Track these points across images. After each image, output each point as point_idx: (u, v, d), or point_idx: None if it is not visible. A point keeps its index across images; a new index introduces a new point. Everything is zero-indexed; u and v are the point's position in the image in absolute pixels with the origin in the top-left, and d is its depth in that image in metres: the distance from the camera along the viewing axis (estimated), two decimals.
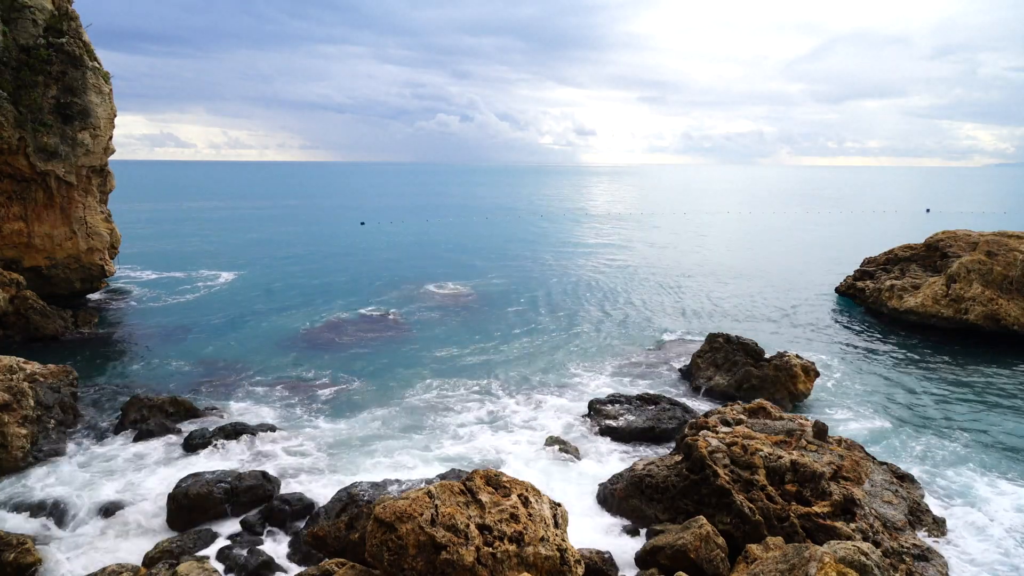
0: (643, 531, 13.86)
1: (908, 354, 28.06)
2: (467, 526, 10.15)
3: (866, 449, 16.58)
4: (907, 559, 12.08)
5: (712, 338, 25.28)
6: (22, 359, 19.52)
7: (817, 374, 23.33)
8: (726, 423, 16.12)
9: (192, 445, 17.86)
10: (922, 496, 14.80)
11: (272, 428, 19.18)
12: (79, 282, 35.39)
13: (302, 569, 12.49)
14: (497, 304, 37.22)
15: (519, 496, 11.01)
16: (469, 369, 25.79)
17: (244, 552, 13.06)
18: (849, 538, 11.91)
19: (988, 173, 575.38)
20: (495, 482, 11.23)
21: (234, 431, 18.24)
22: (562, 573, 10.46)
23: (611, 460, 18.00)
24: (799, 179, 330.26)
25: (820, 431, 15.54)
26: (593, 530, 14.49)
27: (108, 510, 14.91)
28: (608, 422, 19.35)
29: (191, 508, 14.34)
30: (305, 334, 30.45)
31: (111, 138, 34.84)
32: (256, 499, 14.92)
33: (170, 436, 18.66)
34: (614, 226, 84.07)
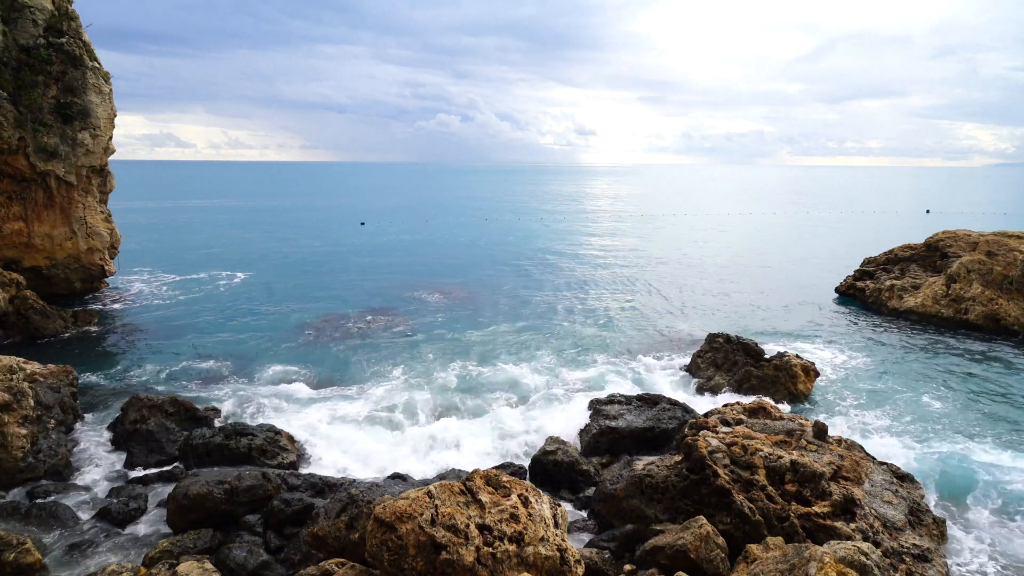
0: (643, 531, 13.84)
1: (908, 354, 28.05)
2: (467, 526, 10.15)
3: (866, 449, 16.57)
4: (907, 559, 12.08)
5: (712, 338, 25.28)
6: (22, 359, 19.50)
7: (817, 374, 23.33)
8: (726, 423, 16.12)
9: (192, 445, 17.85)
10: (922, 496, 14.78)
11: (272, 428, 19.16)
12: (79, 282, 35.40)
13: (302, 569, 12.48)
14: (496, 303, 37.22)
15: (519, 496, 11.01)
16: (468, 368, 25.78)
17: (244, 552, 13.05)
18: (849, 538, 11.90)
19: (988, 173, 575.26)
20: (495, 482, 11.23)
21: (235, 431, 18.23)
22: (562, 573, 10.46)
23: (611, 460, 17.99)
24: (799, 179, 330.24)
25: (820, 431, 15.53)
26: (592, 530, 14.50)
27: (107, 510, 14.91)
28: (608, 422, 19.34)
29: (191, 508, 14.33)
30: (305, 334, 30.45)
31: (111, 138, 34.84)
32: (256, 499, 14.91)
33: (170, 436, 18.65)
34: (614, 226, 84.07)
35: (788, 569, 10.09)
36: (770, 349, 25.23)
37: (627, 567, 12.42)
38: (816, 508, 12.84)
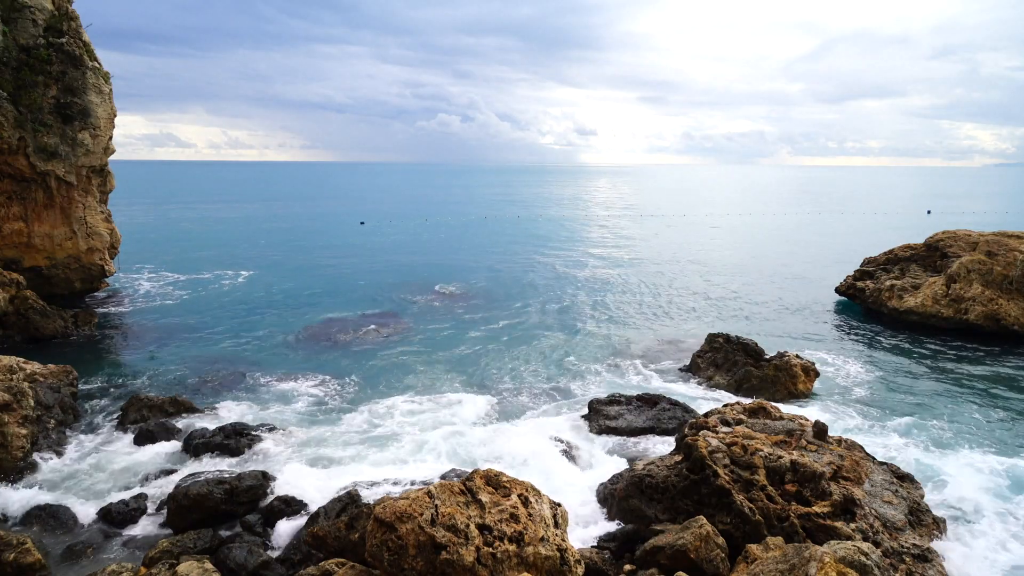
0: (643, 531, 13.85)
1: (908, 354, 28.05)
2: (467, 526, 10.14)
3: (866, 449, 16.56)
4: (907, 559, 12.08)
5: (712, 338, 25.28)
6: (22, 359, 19.51)
7: (817, 374, 23.32)
8: (726, 423, 16.11)
9: (192, 445, 17.85)
10: (922, 496, 14.78)
11: (272, 427, 19.18)
12: (79, 282, 35.37)
13: (302, 569, 12.48)
14: (496, 304, 37.22)
15: (519, 496, 11.01)
16: (468, 368, 25.80)
17: (244, 552, 13.05)
18: (849, 538, 11.90)
19: (988, 173, 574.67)
20: (495, 482, 11.23)
21: (234, 431, 18.24)
22: (562, 573, 10.46)
23: (611, 460, 17.99)
24: (799, 179, 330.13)
25: (820, 431, 15.53)
26: (593, 530, 14.50)
27: (108, 510, 14.91)
28: (608, 422, 19.34)
29: (191, 508, 14.34)
30: (305, 334, 30.45)
31: (111, 138, 34.81)
32: (256, 499, 14.92)
33: (170, 436, 18.66)
34: (614, 226, 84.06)
35: (788, 569, 10.09)
36: (770, 349, 25.22)
37: (627, 567, 12.42)
38: (816, 508, 12.83)
